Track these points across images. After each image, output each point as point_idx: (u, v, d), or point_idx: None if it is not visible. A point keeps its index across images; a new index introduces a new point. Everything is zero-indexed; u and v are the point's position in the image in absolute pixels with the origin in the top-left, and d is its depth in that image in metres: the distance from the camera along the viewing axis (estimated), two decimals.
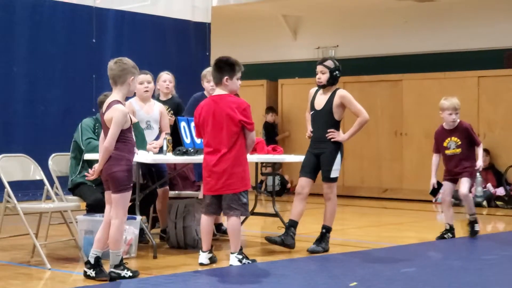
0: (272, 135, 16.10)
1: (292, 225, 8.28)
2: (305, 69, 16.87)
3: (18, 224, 7.68)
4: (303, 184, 8.33)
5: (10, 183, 7.48)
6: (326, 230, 8.34)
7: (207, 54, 12.40)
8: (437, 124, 14.64)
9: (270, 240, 8.29)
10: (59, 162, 8.34)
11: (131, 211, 8.01)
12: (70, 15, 10.62)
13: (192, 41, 12.21)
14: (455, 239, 9.36)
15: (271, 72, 17.14)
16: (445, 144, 9.26)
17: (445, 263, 7.68)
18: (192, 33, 12.22)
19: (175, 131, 8.61)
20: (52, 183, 8.07)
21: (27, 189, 9.17)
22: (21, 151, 8.29)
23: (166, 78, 9.46)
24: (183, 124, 8.41)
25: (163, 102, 9.29)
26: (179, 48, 11.97)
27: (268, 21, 16.99)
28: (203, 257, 7.36)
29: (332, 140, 8.27)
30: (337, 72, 8.36)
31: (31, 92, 10.21)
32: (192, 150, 8.06)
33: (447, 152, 9.23)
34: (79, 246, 7.78)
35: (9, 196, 7.41)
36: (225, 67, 7.29)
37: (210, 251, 7.42)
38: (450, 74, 14.77)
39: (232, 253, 7.27)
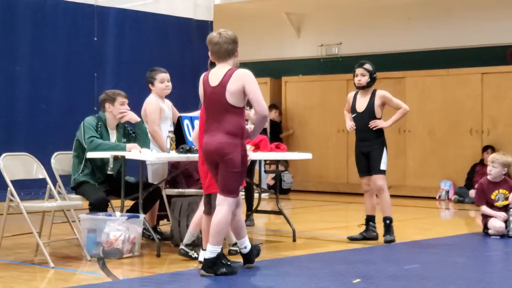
0: (276, 132, 16.06)
1: (369, 219, 8.89)
2: (308, 66, 16.87)
3: (21, 223, 7.68)
4: (365, 181, 8.92)
5: (13, 182, 7.47)
6: (390, 221, 8.79)
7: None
8: (440, 121, 14.65)
9: (352, 238, 8.84)
10: (61, 161, 8.34)
11: (135, 209, 8.03)
12: (72, 14, 10.62)
13: (194, 39, 12.17)
14: (460, 235, 9.33)
15: (275, 70, 17.11)
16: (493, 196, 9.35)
17: (448, 259, 7.67)
18: (194, 31, 12.20)
19: (178, 129, 8.59)
20: (54, 182, 8.05)
21: (30, 188, 9.18)
22: (24, 150, 8.28)
23: None
24: (186, 122, 8.39)
25: None
26: (181, 47, 11.96)
27: (271, 19, 16.97)
28: (202, 255, 7.31)
29: (374, 128, 8.74)
30: (375, 75, 8.96)
31: (33, 91, 10.22)
32: (195, 148, 8.03)
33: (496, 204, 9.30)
34: (82, 245, 7.77)
35: (12, 195, 7.40)
36: None
37: None
38: (453, 71, 14.74)
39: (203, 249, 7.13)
